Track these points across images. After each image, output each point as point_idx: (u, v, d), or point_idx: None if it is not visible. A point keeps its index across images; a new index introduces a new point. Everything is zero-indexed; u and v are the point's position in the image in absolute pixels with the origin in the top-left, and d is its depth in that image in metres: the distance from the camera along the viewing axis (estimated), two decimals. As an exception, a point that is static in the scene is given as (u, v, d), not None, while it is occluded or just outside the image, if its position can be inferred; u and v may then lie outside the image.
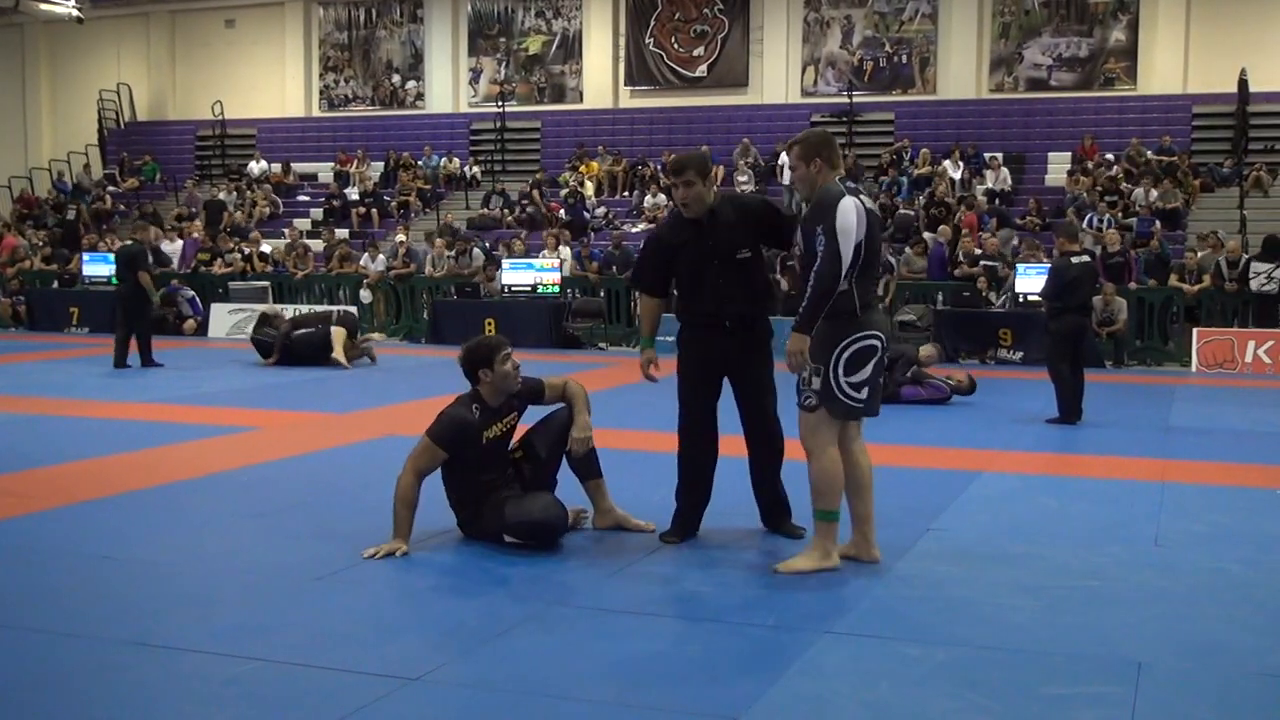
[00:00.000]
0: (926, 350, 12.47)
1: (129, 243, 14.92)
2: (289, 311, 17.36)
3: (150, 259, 15.65)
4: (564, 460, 6.27)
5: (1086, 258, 11.03)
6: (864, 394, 5.42)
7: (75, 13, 28.52)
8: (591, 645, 4.56)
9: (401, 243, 20.84)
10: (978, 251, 17.98)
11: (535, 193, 24.40)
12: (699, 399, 6.17)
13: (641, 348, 6.33)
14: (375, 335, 16.02)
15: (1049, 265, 12.26)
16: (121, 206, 27.43)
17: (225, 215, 25.14)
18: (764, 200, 6.72)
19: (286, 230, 23.41)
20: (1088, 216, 19.75)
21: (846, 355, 5.38)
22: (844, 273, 5.28)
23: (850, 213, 5.31)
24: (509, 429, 6.12)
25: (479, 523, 6.04)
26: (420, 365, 15.82)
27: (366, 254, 20.64)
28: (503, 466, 6.10)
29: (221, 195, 26.64)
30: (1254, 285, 16.43)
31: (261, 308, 17.66)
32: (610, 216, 23.22)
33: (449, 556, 5.86)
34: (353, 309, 18.79)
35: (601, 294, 18.87)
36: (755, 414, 6.15)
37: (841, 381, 5.38)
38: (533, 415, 6.32)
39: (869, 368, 5.42)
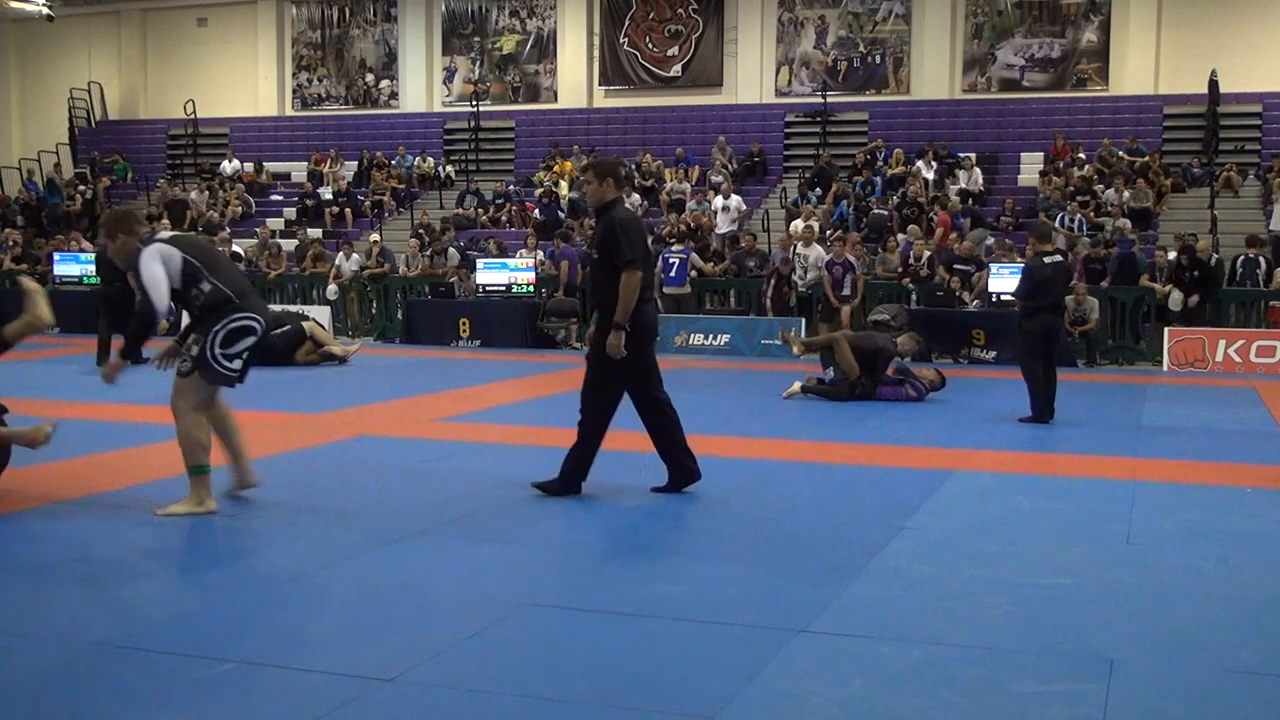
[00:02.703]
0: (904, 341, 12.52)
1: None
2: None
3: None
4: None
5: (1059, 258, 11.08)
6: (235, 365, 6.47)
7: (45, 10, 28.31)
8: (566, 645, 4.56)
9: (376, 242, 20.78)
10: (956, 249, 18.03)
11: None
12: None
13: None
14: (344, 348, 15.90)
15: (1022, 265, 12.31)
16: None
17: (188, 214, 25.00)
18: (613, 222, 6.98)
19: (259, 230, 23.30)
20: (1059, 216, 19.85)
21: (224, 333, 6.40)
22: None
23: None
24: None
25: None
26: (394, 365, 15.77)
27: (341, 253, 20.57)
28: None
29: (193, 195, 26.51)
30: None
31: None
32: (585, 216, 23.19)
33: (421, 557, 5.85)
34: (324, 309, 18.75)
35: (576, 294, 18.84)
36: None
37: (218, 353, 6.40)
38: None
39: (242, 344, 6.46)
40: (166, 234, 6.62)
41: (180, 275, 6.37)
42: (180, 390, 6.49)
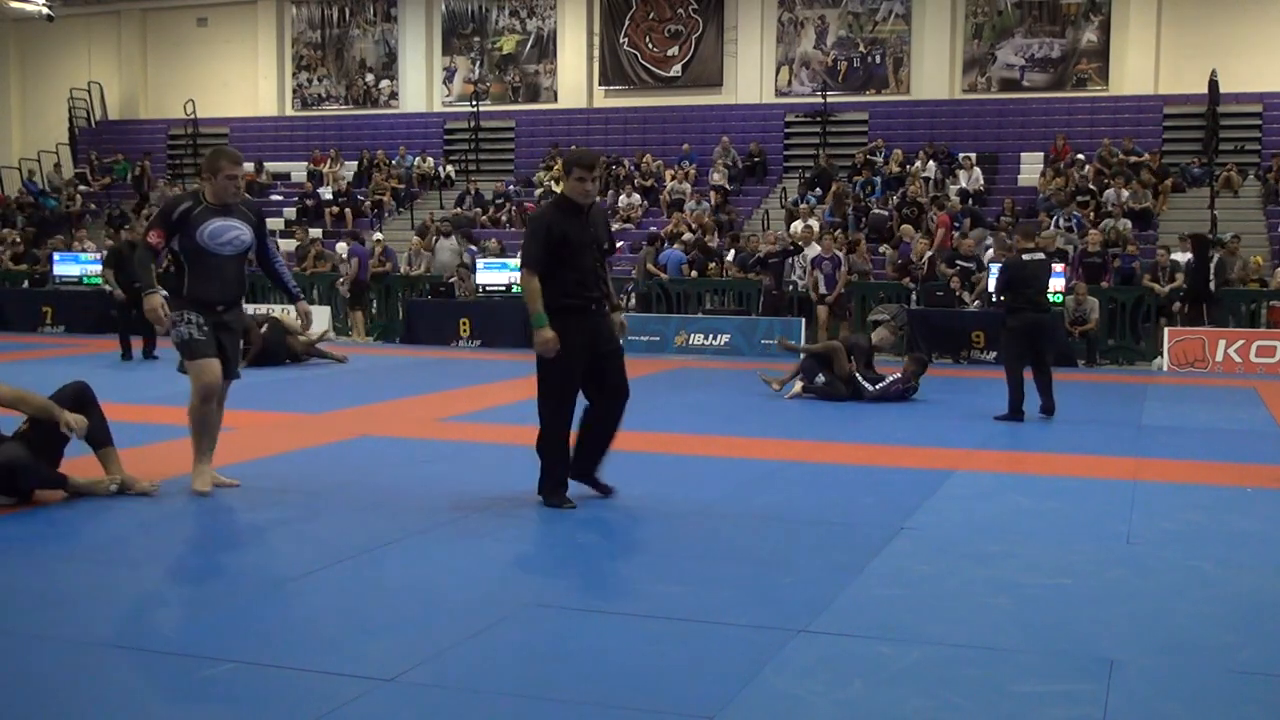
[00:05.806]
0: (880, 334, 12.59)
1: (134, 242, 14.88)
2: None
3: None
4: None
5: (1041, 255, 11.04)
6: None
7: (46, 10, 28.33)
8: (566, 646, 4.55)
9: (379, 241, 20.79)
10: (960, 248, 18.04)
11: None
12: (573, 375, 6.69)
13: (538, 325, 6.56)
14: (326, 345, 15.96)
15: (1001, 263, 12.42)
16: (92, 206, 27.27)
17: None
18: (606, 216, 7.52)
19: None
20: (1054, 217, 19.86)
21: None
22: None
23: None
24: None
25: None
26: (395, 365, 15.77)
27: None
28: None
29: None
30: None
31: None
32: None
33: (422, 557, 5.85)
34: (324, 309, 18.78)
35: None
36: (615, 381, 6.80)
37: None
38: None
39: None
40: None
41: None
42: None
